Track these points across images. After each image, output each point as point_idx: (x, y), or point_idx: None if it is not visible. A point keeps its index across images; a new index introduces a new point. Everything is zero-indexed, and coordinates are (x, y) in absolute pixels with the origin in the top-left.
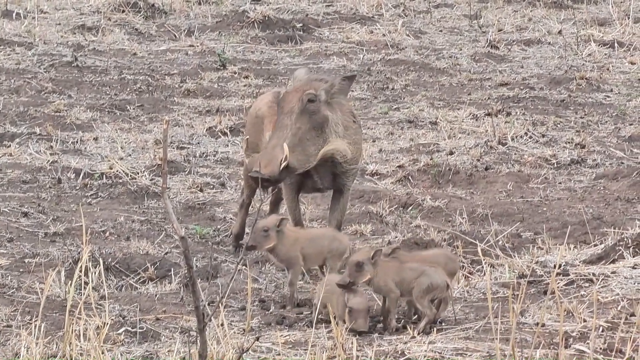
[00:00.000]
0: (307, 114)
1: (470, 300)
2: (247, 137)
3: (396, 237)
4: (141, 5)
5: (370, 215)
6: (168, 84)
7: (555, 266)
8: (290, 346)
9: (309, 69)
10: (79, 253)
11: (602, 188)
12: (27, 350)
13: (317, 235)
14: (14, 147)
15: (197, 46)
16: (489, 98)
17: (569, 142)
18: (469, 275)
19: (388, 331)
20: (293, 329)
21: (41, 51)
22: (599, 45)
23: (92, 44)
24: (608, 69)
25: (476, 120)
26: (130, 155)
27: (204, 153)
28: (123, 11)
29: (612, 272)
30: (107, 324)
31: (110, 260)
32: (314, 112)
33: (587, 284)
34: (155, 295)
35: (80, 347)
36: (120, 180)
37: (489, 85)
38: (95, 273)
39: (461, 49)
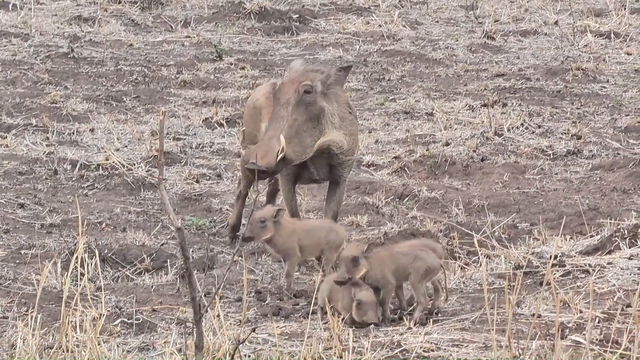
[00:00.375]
0: (304, 105)
1: (466, 291)
2: (244, 128)
3: (392, 228)
4: None
5: (366, 206)
6: (164, 75)
7: (551, 257)
8: (287, 337)
9: (305, 60)
10: (75, 244)
11: (598, 179)
12: (23, 342)
13: (314, 227)
14: (10, 138)
15: (194, 37)
16: (485, 89)
17: (565, 133)
18: (465, 266)
19: (384, 322)
20: (289, 320)
21: (37, 42)
22: (595, 36)
23: (88, 35)
24: (604, 60)
25: (472, 111)
26: (126, 146)
27: (200, 144)
28: (119, 2)
29: (608, 263)
30: (104, 315)
31: (106, 251)
32: (310, 103)
33: (583, 275)
34: (152, 287)
35: (77, 338)
36: (117, 172)
37: (485, 76)
38: (91, 264)
39: (457, 40)
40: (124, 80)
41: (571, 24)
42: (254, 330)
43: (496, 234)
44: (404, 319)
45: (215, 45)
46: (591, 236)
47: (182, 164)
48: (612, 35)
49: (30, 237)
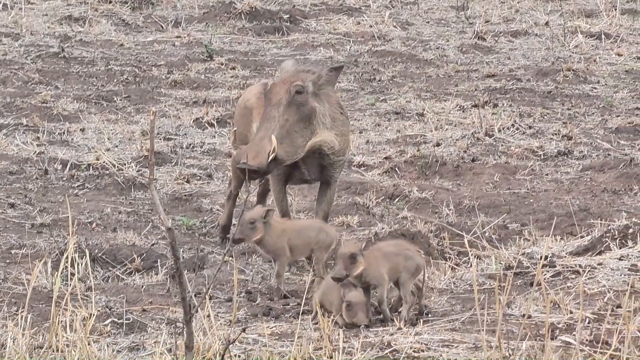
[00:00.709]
0: (295, 105)
1: (456, 291)
2: (235, 128)
3: (383, 228)
4: None
5: (357, 206)
6: (155, 75)
7: (541, 257)
8: (277, 337)
9: (296, 61)
10: (66, 244)
11: (588, 180)
12: (13, 341)
13: (304, 227)
14: (1, 138)
15: (184, 37)
16: (475, 89)
17: (555, 134)
18: (455, 266)
19: (386, 322)
20: (279, 320)
21: (28, 42)
22: (586, 36)
23: (78, 34)
24: (595, 61)
25: (463, 111)
26: (117, 146)
27: (190, 144)
28: (110, 2)
29: (598, 264)
30: (94, 315)
31: (96, 251)
32: (301, 103)
33: (573, 276)
34: (142, 287)
35: (67, 338)
36: (107, 172)
37: (476, 77)
38: (81, 264)
39: (448, 41)
40: (115, 80)
41: (562, 24)
42: (244, 330)
43: (487, 234)
44: (394, 319)
45: (206, 45)
46: (581, 237)
47: (173, 164)
48: (602, 36)
49: (20, 237)
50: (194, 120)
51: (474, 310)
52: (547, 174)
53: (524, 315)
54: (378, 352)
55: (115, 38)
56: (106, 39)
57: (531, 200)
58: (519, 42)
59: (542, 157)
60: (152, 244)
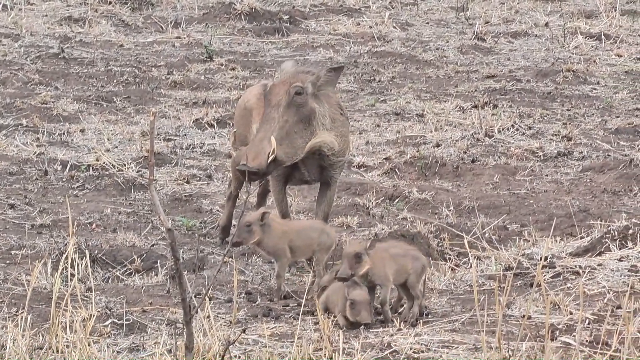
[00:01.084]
0: (295, 106)
1: (456, 292)
2: (235, 130)
3: (383, 229)
4: None
5: (356, 207)
6: (155, 75)
7: (541, 258)
8: (277, 338)
9: (295, 62)
10: (66, 245)
11: (588, 180)
12: (13, 342)
13: (305, 228)
14: (1, 138)
15: (184, 38)
16: (475, 90)
17: (555, 135)
18: (455, 267)
19: (386, 323)
20: (279, 321)
21: (28, 43)
22: (585, 37)
23: (78, 35)
24: (595, 62)
25: (463, 112)
26: (116, 147)
27: (190, 145)
28: (110, 3)
29: (598, 265)
30: (94, 316)
31: (96, 252)
32: (301, 104)
33: (573, 277)
34: (142, 287)
35: (67, 339)
36: (107, 172)
37: (476, 78)
38: (81, 265)
39: (448, 41)
40: (115, 81)
41: (561, 25)
42: (244, 331)
43: (486, 235)
44: (394, 320)
45: (206, 46)
46: (581, 238)
47: (173, 164)
48: (602, 36)
49: (20, 238)
50: (193, 121)
51: (474, 311)
52: (547, 175)
53: (524, 316)
54: (378, 353)
55: (115, 39)
56: (106, 40)
57: (531, 201)
58: (518, 43)
59: (542, 157)
60: (152, 245)
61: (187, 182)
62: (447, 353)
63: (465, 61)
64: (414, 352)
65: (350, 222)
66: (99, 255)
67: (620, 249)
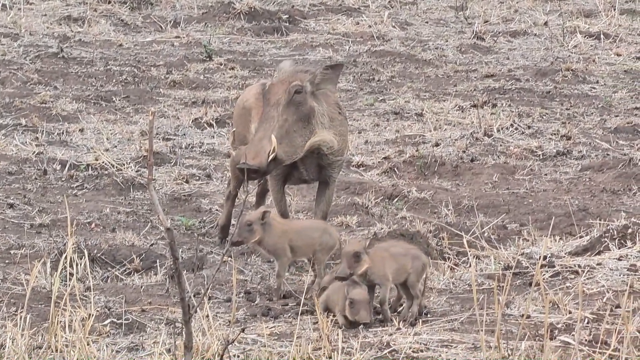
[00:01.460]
0: (294, 105)
1: (455, 291)
2: (235, 129)
3: (382, 228)
4: None
5: (356, 206)
6: (154, 75)
7: (540, 258)
8: (276, 337)
9: (294, 61)
10: (65, 244)
11: (587, 180)
12: (12, 342)
13: (306, 228)
14: (0, 138)
15: (183, 37)
16: (474, 89)
17: (554, 134)
18: (454, 266)
19: (386, 322)
20: (278, 320)
21: (27, 42)
22: (584, 36)
23: (78, 35)
24: (594, 61)
25: (462, 111)
26: (116, 146)
27: (189, 144)
28: (109, 2)
29: (597, 264)
30: (93, 315)
31: (95, 251)
32: (300, 103)
33: (572, 276)
34: (141, 287)
35: (66, 338)
36: (106, 172)
37: (475, 77)
38: (80, 264)
39: (447, 41)
40: (114, 81)
41: (561, 24)
42: (243, 330)
43: (485, 234)
44: (393, 319)
45: (205, 46)
46: (580, 237)
47: (172, 164)
48: (601, 36)
49: (19, 237)
50: (193, 121)
51: (473, 311)
52: (546, 174)
53: (523, 316)
54: (377, 352)
55: (114, 38)
56: (105, 39)
57: (530, 200)
58: (518, 42)
59: (541, 157)
60: (151, 244)
61: (186, 182)
62: (446, 352)
63: (464, 60)
64: (413, 351)
65: (349, 222)
66: (98, 255)
67: (619, 248)
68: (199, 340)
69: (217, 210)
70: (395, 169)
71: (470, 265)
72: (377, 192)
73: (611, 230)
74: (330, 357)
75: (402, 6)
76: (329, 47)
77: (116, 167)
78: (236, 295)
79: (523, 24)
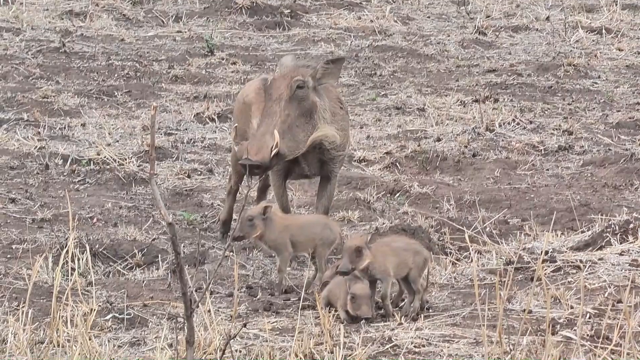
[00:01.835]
0: (296, 100)
1: (457, 286)
2: (236, 124)
3: (383, 223)
4: None
5: (357, 201)
6: (156, 70)
7: (542, 253)
8: (278, 332)
9: (295, 56)
10: (66, 239)
11: (589, 175)
12: (14, 337)
13: (308, 222)
14: (1, 133)
15: (185, 32)
16: (476, 84)
17: (556, 129)
18: (456, 261)
19: (387, 317)
20: (280, 315)
21: (29, 37)
22: (586, 31)
23: (79, 29)
24: (596, 56)
25: (464, 106)
26: (117, 141)
27: (191, 139)
28: None
29: (599, 259)
30: (95, 310)
31: (97, 246)
32: (302, 98)
33: (574, 271)
34: (143, 282)
35: (68, 333)
36: (108, 167)
37: (477, 72)
38: (82, 259)
39: (449, 35)
40: (116, 75)
41: (563, 19)
42: (244, 325)
43: (487, 229)
44: (395, 314)
45: (207, 40)
46: (582, 232)
47: (174, 159)
48: (603, 31)
49: (21, 232)
50: (194, 115)
51: (475, 305)
52: (547, 169)
53: (524, 311)
54: (379, 347)
55: (116, 33)
56: (107, 34)
57: (532, 195)
58: (519, 37)
59: (542, 152)
60: (153, 239)
61: (188, 177)
62: (448, 347)
63: (466, 55)
64: (414, 346)
65: (351, 217)
66: (100, 250)
67: (621, 243)
68: (201, 335)
69: (218, 205)
70: (397, 163)
71: (471, 260)
72: (379, 187)
73: (613, 226)
74: (332, 352)
75: (403, 1)
76: (331, 41)
77: (118, 161)
78: (238, 290)
79: (525, 18)
